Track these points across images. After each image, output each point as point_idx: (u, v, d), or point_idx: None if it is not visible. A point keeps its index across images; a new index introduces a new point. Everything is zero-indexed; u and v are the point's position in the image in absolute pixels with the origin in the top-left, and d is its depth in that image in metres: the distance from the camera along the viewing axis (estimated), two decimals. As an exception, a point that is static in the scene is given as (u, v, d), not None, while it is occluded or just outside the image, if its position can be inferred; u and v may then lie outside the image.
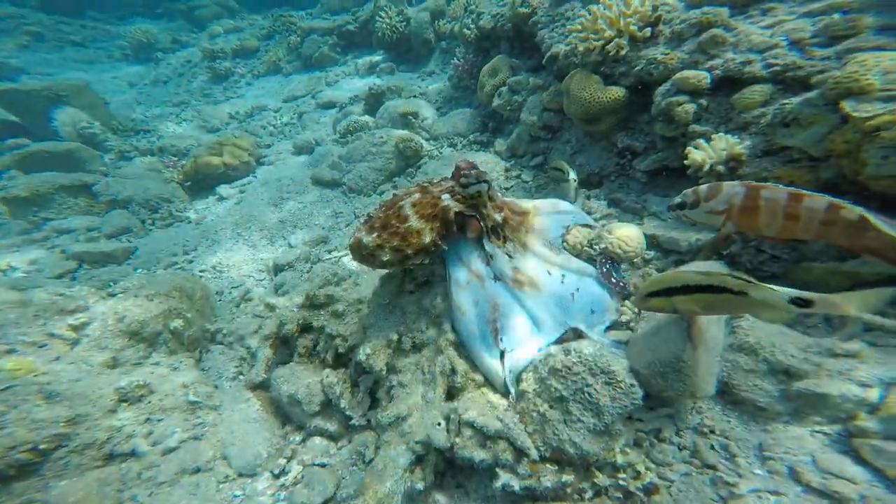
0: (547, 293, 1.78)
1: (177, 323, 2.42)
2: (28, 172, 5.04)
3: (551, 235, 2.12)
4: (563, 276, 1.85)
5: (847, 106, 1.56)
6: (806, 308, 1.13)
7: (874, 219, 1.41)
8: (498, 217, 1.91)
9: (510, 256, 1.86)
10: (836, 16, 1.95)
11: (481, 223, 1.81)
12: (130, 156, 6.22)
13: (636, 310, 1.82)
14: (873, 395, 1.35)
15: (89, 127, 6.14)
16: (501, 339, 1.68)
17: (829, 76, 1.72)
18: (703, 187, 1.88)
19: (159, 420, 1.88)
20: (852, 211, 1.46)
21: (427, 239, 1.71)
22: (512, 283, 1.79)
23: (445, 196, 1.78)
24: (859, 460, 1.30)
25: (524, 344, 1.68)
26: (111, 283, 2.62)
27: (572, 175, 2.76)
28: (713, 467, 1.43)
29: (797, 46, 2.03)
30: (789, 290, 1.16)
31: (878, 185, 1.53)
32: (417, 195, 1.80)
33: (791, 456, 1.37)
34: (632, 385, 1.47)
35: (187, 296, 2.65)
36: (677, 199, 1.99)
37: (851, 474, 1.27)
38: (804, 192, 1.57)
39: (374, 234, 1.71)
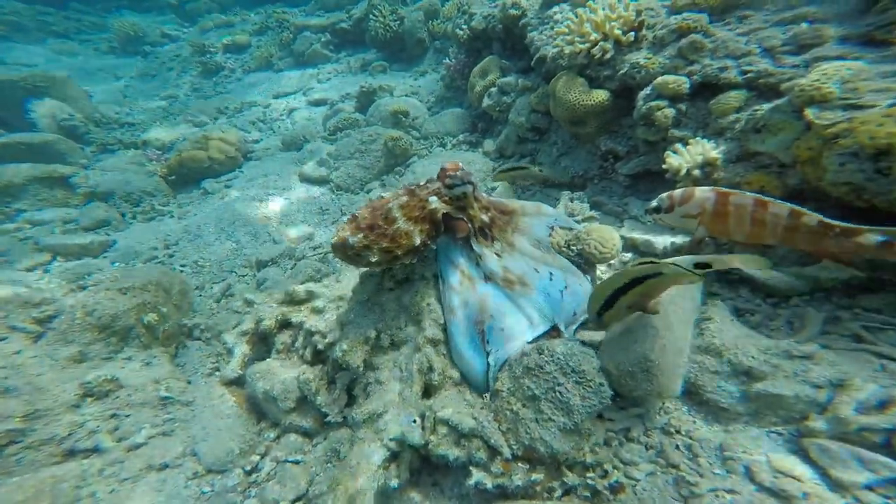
0: (536, 291, 1.79)
1: (151, 317, 2.38)
2: (2, 164, 4.89)
3: (537, 235, 2.14)
4: (550, 273, 1.87)
5: (810, 113, 1.61)
6: (707, 269, 1.30)
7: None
8: (485, 217, 1.91)
9: (499, 256, 1.87)
10: (803, 25, 2.00)
11: (469, 224, 1.81)
12: (113, 148, 6.09)
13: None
14: (823, 395, 1.39)
15: (70, 119, 5.98)
16: (488, 342, 1.69)
17: (795, 84, 1.76)
18: (677, 192, 1.91)
19: (127, 416, 1.84)
20: (812, 217, 1.51)
21: (417, 241, 1.70)
22: (502, 282, 1.79)
23: (433, 198, 1.77)
24: (807, 459, 1.34)
25: (511, 343, 1.68)
26: (85, 276, 2.56)
27: (535, 168, 2.87)
28: (676, 467, 1.46)
29: (769, 54, 2.08)
30: (691, 257, 1.34)
31: (836, 191, 1.57)
32: (405, 198, 1.79)
33: (748, 455, 1.40)
34: (601, 384, 1.49)
35: (164, 290, 2.60)
36: (653, 204, 2.03)
37: (799, 473, 1.31)
38: (769, 199, 1.62)
39: (361, 235, 1.68)
